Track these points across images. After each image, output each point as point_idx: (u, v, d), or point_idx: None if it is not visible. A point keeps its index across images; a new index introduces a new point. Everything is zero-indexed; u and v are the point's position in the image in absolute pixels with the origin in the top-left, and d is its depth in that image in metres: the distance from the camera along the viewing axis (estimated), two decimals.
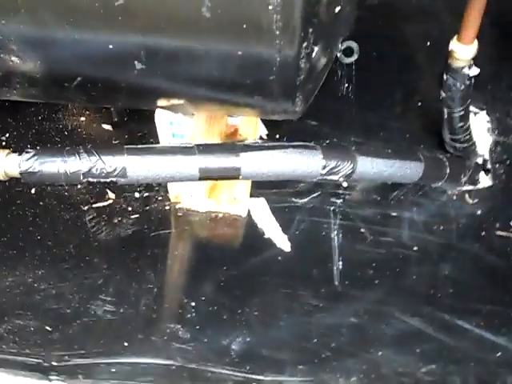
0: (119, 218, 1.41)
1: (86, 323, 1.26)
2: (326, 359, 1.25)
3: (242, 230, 1.44)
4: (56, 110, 1.53)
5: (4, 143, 1.49)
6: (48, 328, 1.25)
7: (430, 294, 1.36)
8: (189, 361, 1.22)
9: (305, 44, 1.09)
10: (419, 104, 1.55)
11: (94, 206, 1.43)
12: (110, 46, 1.12)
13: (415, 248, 1.42)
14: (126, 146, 1.23)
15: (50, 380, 1.18)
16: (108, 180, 1.23)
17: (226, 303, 1.31)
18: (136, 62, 1.12)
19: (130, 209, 1.43)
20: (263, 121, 1.53)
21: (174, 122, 1.26)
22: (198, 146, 1.25)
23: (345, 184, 1.49)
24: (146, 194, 1.45)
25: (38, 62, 1.14)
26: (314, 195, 1.47)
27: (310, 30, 1.09)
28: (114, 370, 1.20)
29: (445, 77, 1.36)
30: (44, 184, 1.26)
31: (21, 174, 1.21)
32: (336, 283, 1.36)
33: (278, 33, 1.06)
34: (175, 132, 1.28)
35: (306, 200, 1.47)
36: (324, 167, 1.29)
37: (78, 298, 1.29)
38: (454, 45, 1.31)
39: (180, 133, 1.28)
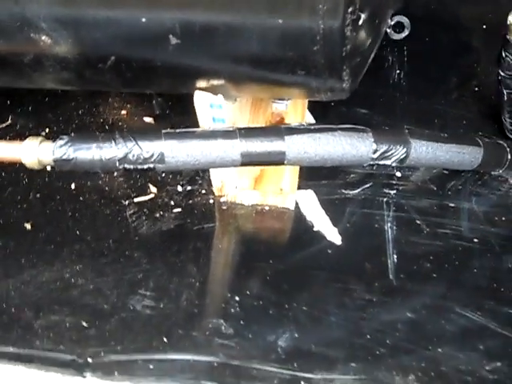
0: (161, 213, 1.30)
1: (123, 319, 1.14)
2: (380, 356, 1.11)
3: (289, 223, 1.31)
4: (97, 104, 1.44)
5: None
6: (84, 324, 1.13)
7: (492, 287, 1.21)
8: (232, 357, 1.09)
9: (350, 9, 0.97)
10: (476, 89, 1.41)
11: (136, 200, 1.32)
12: (143, 20, 1.02)
13: (476, 240, 1.27)
14: (163, 131, 1.12)
15: (84, 377, 1.06)
16: (145, 167, 1.12)
17: (272, 298, 1.18)
18: (171, 37, 1.01)
19: (172, 203, 1.32)
20: (310, 110, 1.40)
21: (214, 105, 1.14)
22: (240, 129, 1.14)
23: (398, 174, 1.35)
24: (189, 188, 1.34)
25: (70, 40, 1.04)
26: (366, 186, 1.34)
27: None
28: (151, 366, 1.08)
29: (503, 54, 1.22)
30: (78, 171, 1.14)
31: (55, 161, 1.11)
32: (391, 277, 1.22)
33: None
34: (215, 116, 1.16)
35: (357, 191, 1.33)
36: (375, 151, 1.16)
37: (117, 293, 1.18)
38: None
39: (221, 116, 1.16)
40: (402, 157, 1.18)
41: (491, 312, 1.17)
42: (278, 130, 1.15)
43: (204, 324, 1.13)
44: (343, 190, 1.33)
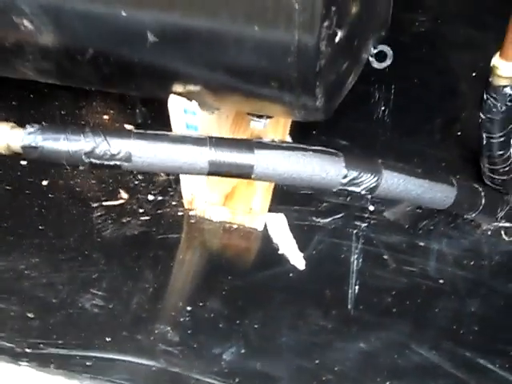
0: (128, 218, 1.28)
1: (70, 314, 1.12)
2: (326, 382, 1.07)
3: (255, 243, 1.28)
4: (80, 107, 1.43)
5: None
6: (29, 315, 1.10)
7: (452, 328, 1.17)
8: (173, 364, 1.06)
9: (326, 23, 0.96)
10: (459, 133, 1.39)
11: (105, 204, 1.30)
12: (123, 14, 1.02)
13: (441, 281, 1.24)
14: (133, 130, 1.10)
15: (19, 365, 1.03)
16: (112, 163, 1.10)
17: (225, 312, 1.15)
18: (149, 34, 1.01)
19: (140, 210, 1.30)
20: (291, 135, 1.39)
21: (188, 110, 1.13)
22: (211, 138, 1.12)
23: (371, 207, 1.33)
24: (160, 198, 1.32)
25: (50, 28, 1.04)
26: (337, 216, 1.31)
27: (333, 9, 0.96)
28: (89, 363, 1.05)
29: (485, 96, 1.20)
30: (45, 162, 1.13)
31: (23, 147, 1.10)
32: (349, 307, 1.18)
33: (297, 7, 0.94)
34: (189, 122, 1.15)
35: (327, 220, 1.31)
36: (345, 176, 1.13)
37: (68, 289, 1.15)
38: (496, 60, 1.16)
39: (194, 123, 1.15)
40: (371, 185, 1.15)
41: (447, 352, 1.13)
42: (249, 143, 1.13)
43: (150, 329, 1.10)
44: (314, 218, 1.31)
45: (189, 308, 1.13)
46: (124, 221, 1.27)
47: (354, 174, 1.13)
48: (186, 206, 1.30)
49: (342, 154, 1.13)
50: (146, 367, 1.04)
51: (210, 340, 1.09)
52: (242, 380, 1.05)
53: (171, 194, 1.32)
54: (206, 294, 1.16)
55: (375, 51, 1.13)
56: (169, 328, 1.09)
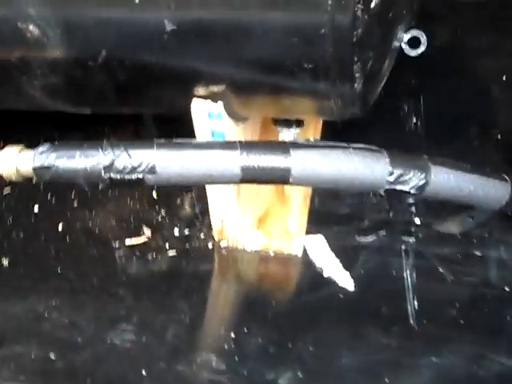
0: (154, 255, 1.16)
1: (98, 352, 0.97)
2: None
3: (296, 268, 1.16)
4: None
5: None
6: (52, 357, 0.96)
7: None
8: None
9: None
10: (499, 136, 1.29)
11: (127, 243, 1.18)
12: (138, 9, 0.94)
13: (507, 288, 1.10)
14: (156, 140, 1.00)
15: None
16: (134, 177, 0.99)
17: (273, 337, 1.01)
18: (167, 23, 0.92)
19: (167, 246, 1.18)
20: None
21: (213, 114, 1.03)
22: (241, 142, 1.02)
23: (418, 221, 1.20)
24: (187, 232, 1.20)
25: (59, 31, 0.96)
26: (382, 233, 1.19)
27: None
28: None
29: None
30: (60, 182, 1.02)
31: (34, 169, 0.99)
32: (411, 322, 1.04)
33: None
34: (214, 128, 1.04)
35: (372, 238, 1.18)
36: (391, 173, 1.02)
37: (94, 327, 1.02)
38: None
39: (220, 130, 1.05)
40: (421, 183, 1.03)
41: None
42: (284, 144, 1.03)
43: (191, 358, 0.95)
44: (356, 237, 1.18)
45: (233, 335, 0.99)
46: (150, 258, 1.15)
47: (400, 170, 1.02)
48: (216, 237, 1.17)
49: (385, 151, 1.02)
50: None
51: (262, 366, 0.95)
52: None
53: (198, 227, 1.20)
54: (250, 321, 1.02)
55: (407, 38, 1.04)
56: (213, 356, 0.95)
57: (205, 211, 1.19)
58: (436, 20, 1.40)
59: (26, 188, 1.22)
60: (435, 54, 1.30)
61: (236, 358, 0.96)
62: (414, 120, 1.31)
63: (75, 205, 1.24)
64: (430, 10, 1.36)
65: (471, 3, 1.39)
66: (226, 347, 0.97)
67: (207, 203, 1.15)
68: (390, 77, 1.05)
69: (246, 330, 1.01)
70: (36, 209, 1.24)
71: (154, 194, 1.25)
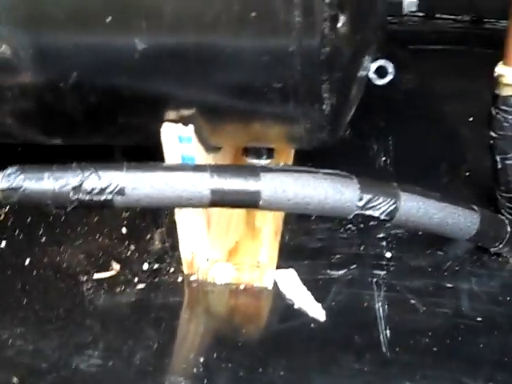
0: (122, 288, 1.13)
1: (63, 377, 0.93)
2: None
3: (266, 301, 1.14)
4: None
5: None
6: (14, 381, 0.92)
7: (504, 360, 1.01)
8: None
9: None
10: (467, 174, 1.31)
11: (95, 277, 1.15)
12: (110, 30, 0.95)
13: (479, 319, 1.09)
14: (126, 162, 1.00)
15: None
16: (102, 198, 0.98)
17: (244, 362, 0.98)
18: (137, 41, 0.94)
19: (135, 280, 1.15)
20: None
21: (184, 138, 1.03)
22: (212, 165, 1.02)
23: (388, 254, 1.20)
24: (156, 266, 1.18)
25: (31, 51, 0.96)
26: (353, 267, 1.18)
27: None
28: None
29: (493, 112, 1.13)
30: (28, 204, 1.00)
31: (2, 191, 0.98)
32: (384, 350, 1.02)
33: None
34: (185, 153, 1.04)
35: (343, 272, 1.17)
36: (361, 198, 1.02)
37: (59, 354, 0.98)
38: (500, 69, 1.10)
39: (191, 154, 1.04)
40: (390, 208, 1.04)
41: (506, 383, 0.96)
42: (254, 168, 1.03)
43: (159, 381, 0.91)
44: (328, 271, 1.17)
45: (201, 359, 0.96)
46: (118, 290, 1.13)
47: (369, 195, 1.02)
48: (186, 270, 1.15)
49: (355, 177, 1.03)
50: None
51: None
52: None
53: (168, 261, 1.18)
54: (220, 347, 1.00)
55: (375, 67, 1.06)
56: (181, 379, 0.91)
57: (175, 246, 1.17)
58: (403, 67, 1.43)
59: None
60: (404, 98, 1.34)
61: (205, 382, 0.92)
62: (384, 158, 1.33)
63: (43, 240, 1.21)
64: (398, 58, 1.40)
65: (437, 50, 1.43)
66: (195, 371, 0.94)
67: (177, 238, 1.14)
68: (360, 118, 1.07)
69: (215, 355, 0.98)
70: (3, 244, 1.21)
71: (124, 230, 1.23)
